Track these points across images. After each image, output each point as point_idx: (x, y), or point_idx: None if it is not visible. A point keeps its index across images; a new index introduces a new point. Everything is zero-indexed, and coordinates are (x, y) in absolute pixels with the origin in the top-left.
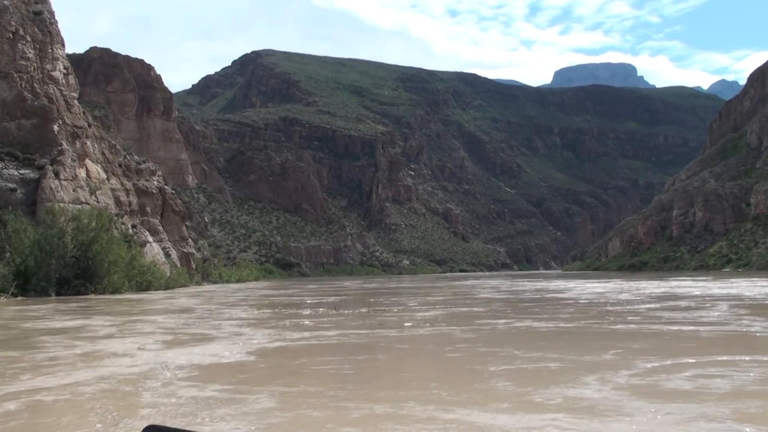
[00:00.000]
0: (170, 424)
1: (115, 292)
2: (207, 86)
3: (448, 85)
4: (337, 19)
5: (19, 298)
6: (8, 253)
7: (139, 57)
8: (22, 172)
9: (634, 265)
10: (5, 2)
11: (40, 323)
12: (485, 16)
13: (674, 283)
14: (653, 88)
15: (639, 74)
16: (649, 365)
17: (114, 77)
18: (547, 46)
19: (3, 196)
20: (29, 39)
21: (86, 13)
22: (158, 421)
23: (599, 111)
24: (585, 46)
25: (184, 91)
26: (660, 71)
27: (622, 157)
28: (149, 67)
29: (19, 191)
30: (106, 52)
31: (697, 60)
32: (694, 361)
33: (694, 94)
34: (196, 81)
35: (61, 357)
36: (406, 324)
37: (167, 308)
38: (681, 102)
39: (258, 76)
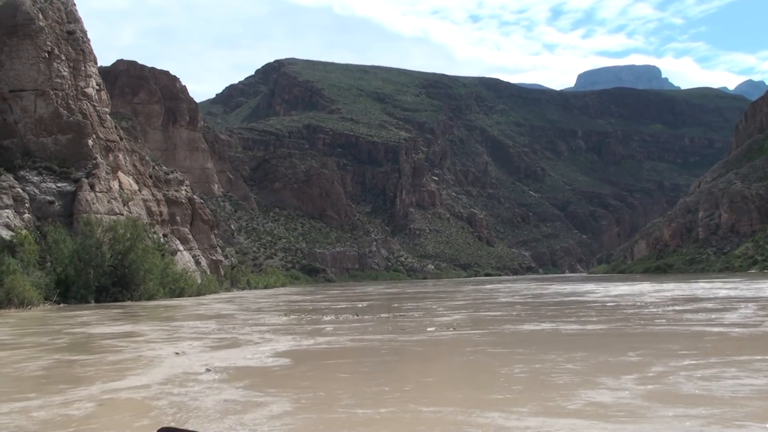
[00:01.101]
0: (212, 420)
1: (150, 298)
2: (231, 95)
3: (471, 91)
4: (358, 26)
5: (61, 305)
6: (49, 263)
7: (164, 68)
8: (59, 185)
9: (659, 268)
10: (41, 24)
11: (95, 329)
12: (507, 20)
13: (703, 285)
14: (678, 90)
15: (663, 76)
16: (671, 367)
17: (140, 89)
18: (569, 50)
19: (42, 208)
20: (64, 58)
21: (111, 26)
22: (204, 418)
23: (623, 114)
24: (608, 48)
25: (208, 100)
26: (685, 73)
27: (648, 159)
28: (174, 79)
29: (56, 203)
30: (132, 64)
31: (722, 61)
32: (718, 360)
33: (719, 95)
34: (219, 90)
35: (126, 360)
36: (428, 329)
37: (204, 314)
38: (706, 103)
39: (281, 85)
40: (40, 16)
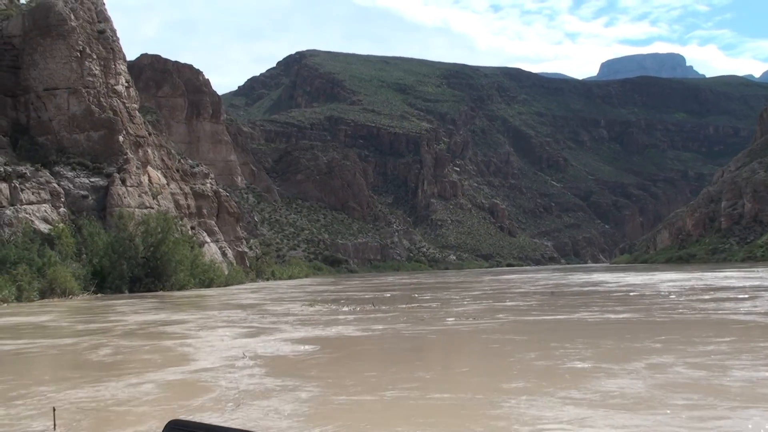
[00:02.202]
0: (252, 399)
1: (181, 288)
2: (253, 87)
3: (493, 81)
4: (379, 17)
5: (98, 294)
6: (84, 255)
7: (186, 60)
8: (92, 180)
9: (681, 258)
10: (73, 24)
11: (142, 317)
12: (529, 9)
13: (725, 274)
14: (702, 78)
15: (688, 64)
16: (690, 355)
17: (164, 83)
18: (592, 39)
19: (76, 202)
20: (95, 56)
21: (134, 19)
22: (248, 396)
23: (647, 102)
24: (631, 37)
25: (230, 92)
26: (710, 60)
27: (671, 148)
28: (198, 72)
29: (90, 198)
30: (156, 58)
31: (747, 48)
32: (740, 348)
33: (744, 82)
34: (241, 83)
35: (178, 345)
36: (447, 319)
37: (236, 304)
38: (731, 91)
39: (303, 77)
40: (72, 17)
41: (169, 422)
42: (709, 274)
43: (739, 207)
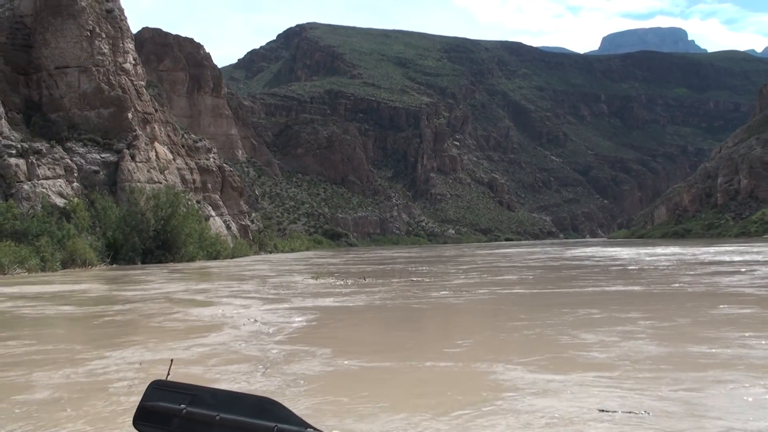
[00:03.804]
0: (273, 367)
1: (191, 260)
2: (253, 60)
3: (493, 55)
4: None
5: (113, 265)
6: (98, 228)
7: (186, 32)
8: (103, 155)
9: (677, 233)
10: (82, 3)
11: (171, 286)
12: None
13: (715, 249)
14: (704, 53)
15: (690, 38)
16: (676, 325)
17: (165, 56)
18: (594, 12)
19: (88, 177)
20: (104, 36)
21: None
22: (268, 359)
23: (648, 77)
24: (633, 10)
25: (230, 65)
26: (711, 35)
27: (671, 123)
28: (199, 46)
29: (101, 173)
30: (157, 32)
31: (750, 23)
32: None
33: (746, 57)
34: (241, 55)
35: (216, 313)
36: (442, 292)
37: (249, 275)
38: (732, 66)
39: (303, 50)
40: None
41: (151, 383)
42: (703, 249)
43: (735, 183)
